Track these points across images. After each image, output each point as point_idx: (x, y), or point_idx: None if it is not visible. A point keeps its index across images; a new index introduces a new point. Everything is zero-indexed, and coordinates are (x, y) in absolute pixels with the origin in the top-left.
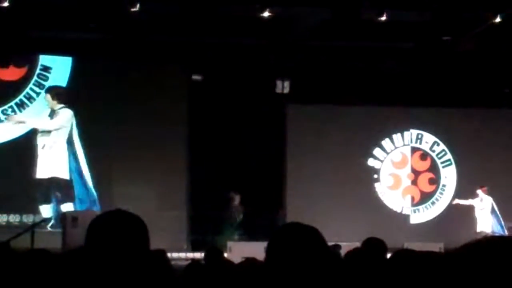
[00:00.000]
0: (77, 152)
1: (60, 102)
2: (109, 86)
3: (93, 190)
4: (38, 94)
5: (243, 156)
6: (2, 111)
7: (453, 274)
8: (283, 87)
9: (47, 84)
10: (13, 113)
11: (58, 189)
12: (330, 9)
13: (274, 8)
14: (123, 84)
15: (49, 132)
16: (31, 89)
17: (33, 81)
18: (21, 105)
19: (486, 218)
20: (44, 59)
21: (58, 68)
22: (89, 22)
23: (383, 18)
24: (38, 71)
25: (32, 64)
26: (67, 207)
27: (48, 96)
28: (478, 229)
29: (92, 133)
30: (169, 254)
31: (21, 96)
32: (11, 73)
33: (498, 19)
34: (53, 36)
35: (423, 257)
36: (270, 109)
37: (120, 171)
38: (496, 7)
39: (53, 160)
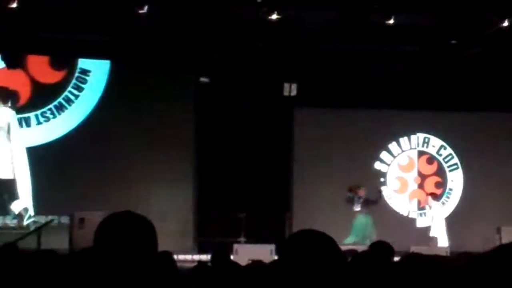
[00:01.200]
0: (15, 152)
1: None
2: (117, 87)
3: (19, 194)
4: (77, 96)
5: (250, 158)
6: (42, 114)
7: (461, 278)
8: (291, 90)
9: (86, 87)
10: (52, 116)
11: (6, 189)
12: (338, 12)
13: (282, 11)
14: (130, 86)
15: None
16: (70, 92)
17: (72, 84)
18: (59, 108)
19: (436, 224)
20: (82, 63)
21: (97, 72)
22: (96, 24)
23: (391, 21)
24: (77, 74)
25: (71, 67)
26: (18, 205)
27: None
28: (431, 234)
29: (99, 134)
30: (175, 256)
31: (60, 99)
32: (51, 76)
33: (506, 23)
34: (59, 38)
35: (432, 261)
36: (277, 111)
37: (127, 173)
38: (504, 11)
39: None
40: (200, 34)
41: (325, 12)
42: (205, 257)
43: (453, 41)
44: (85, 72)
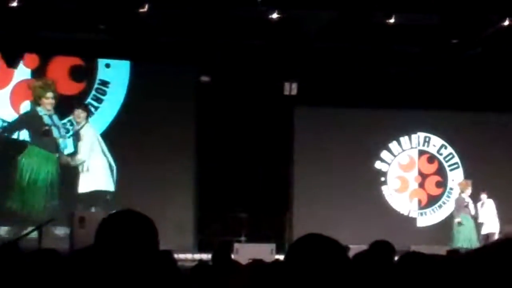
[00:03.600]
0: None
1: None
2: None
3: None
4: (96, 108)
5: (250, 157)
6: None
7: (461, 277)
8: (291, 89)
9: (105, 98)
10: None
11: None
12: (339, 11)
13: (283, 10)
14: (130, 85)
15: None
16: (89, 103)
17: (91, 95)
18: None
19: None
20: (102, 74)
21: (116, 83)
22: (98, 23)
23: (392, 20)
24: (96, 85)
25: (90, 78)
26: None
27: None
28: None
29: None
30: (176, 255)
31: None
32: (71, 88)
33: (506, 23)
34: (60, 37)
35: (432, 260)
36: (277, 111)
37: (127, 172)
38: (504, 11)
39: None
40: (200, 33)
41: (325, 11)
42: (206, 256)
43: (454, 41)
44: (104, 83)
